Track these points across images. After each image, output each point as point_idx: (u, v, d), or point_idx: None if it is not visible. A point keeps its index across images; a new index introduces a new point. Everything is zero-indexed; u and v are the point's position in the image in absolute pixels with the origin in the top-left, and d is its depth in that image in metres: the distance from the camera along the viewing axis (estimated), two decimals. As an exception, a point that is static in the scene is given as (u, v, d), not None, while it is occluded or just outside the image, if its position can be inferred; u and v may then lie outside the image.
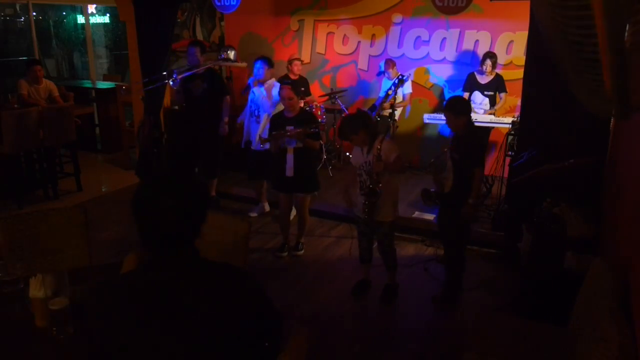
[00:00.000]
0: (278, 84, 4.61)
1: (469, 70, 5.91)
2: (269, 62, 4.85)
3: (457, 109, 3.41)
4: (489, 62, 5.55)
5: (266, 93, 4.75)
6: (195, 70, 4.94)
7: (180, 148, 5.17)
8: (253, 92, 4.88)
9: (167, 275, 1.36)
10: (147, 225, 1.36)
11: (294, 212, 4.99)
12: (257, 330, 1.41)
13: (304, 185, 4.16)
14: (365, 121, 3.41)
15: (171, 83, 4.86)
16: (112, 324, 1.33)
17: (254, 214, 5.20)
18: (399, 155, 3.39)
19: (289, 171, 4.07)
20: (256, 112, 4.88)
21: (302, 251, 4.39)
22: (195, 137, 5.18)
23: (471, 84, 5.76)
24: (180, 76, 4.82)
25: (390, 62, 5.98)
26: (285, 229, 4.40)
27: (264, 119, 4.77)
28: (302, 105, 5.57)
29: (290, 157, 4.05)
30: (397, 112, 6.00)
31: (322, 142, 4.41)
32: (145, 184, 1.40)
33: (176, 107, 6.00)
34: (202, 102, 5.03)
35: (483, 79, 5.64)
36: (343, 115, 6.36)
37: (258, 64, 4.79)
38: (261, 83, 4.80)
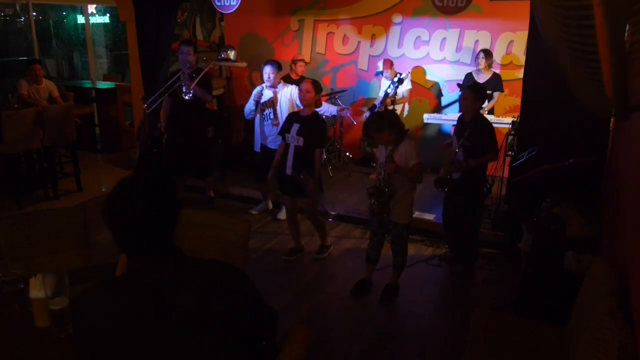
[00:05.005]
0: (297, 88, 4.59)
1: (469, 70, 5.91)
2: (278, 65, 4.71)
3: (480, 92, 3.77)
4: (482, 55, 5.60)
5: (290, 95, 4.66)
6: (190, 72, 4.89)
7: (175, 148, 5.11)
8: (279, 94, 4.71)
9: (152, 276, 1.35)
10: (118, 230, 1.36)
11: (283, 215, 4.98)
12: (249, 326, 1.41)
13: (303, 189, 4.03)
14: (391, 121, 3.35)
15: (186, 98, 4.77)
16: (101, 328, 1.32)
17: (254, 212, 5.21)
18: (419, 163, 3.32)
19: (289, 169, 3.96)
20: (271, 114, 4.74)
21: (325, 255, 4.30)
22: (185, 137, 5.10)
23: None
24: (191, 87, 4.75)
25: (388, 62, 5.98)
26: (294, 234, 4.29)
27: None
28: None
29: (291, 152, 3.93)
30: (397, 110, 5.99)
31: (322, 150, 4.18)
32: (113, 189, 1.38)
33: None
34: (190, 103, 4.87)
35: (480, 78, 5.65)
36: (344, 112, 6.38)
37: (268, 69, 4.59)
38: (281, 85, 4.70)
